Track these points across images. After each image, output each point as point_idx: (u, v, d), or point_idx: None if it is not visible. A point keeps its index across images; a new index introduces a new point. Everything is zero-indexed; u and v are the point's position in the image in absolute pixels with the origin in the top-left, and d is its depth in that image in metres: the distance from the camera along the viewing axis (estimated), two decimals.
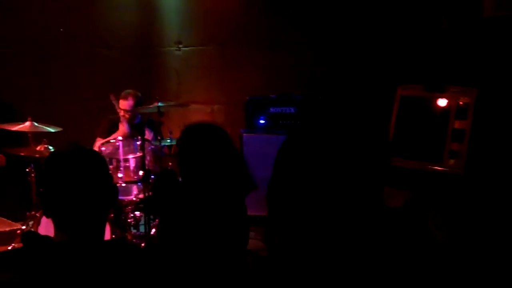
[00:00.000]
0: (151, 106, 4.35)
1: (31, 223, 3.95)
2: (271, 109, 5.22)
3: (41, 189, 1.59)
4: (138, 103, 4.60)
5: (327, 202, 1.51)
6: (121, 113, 4.62)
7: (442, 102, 4.28)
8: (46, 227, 3.70)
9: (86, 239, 1.56)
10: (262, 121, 5.23)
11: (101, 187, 1.61)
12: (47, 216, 1.60)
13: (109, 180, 1.67)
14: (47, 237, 1.55)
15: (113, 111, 4.60)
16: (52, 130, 4.12)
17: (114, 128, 4.64)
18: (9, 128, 4.05)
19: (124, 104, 4.60)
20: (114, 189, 1.69)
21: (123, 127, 4.59)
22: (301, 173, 1.51)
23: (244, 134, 5.11)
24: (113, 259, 1.54)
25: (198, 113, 5.26)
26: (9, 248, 3.73)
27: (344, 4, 5.24)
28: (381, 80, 4.91)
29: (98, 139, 4.62)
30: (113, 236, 3.74)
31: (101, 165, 1.65)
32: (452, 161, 4.14)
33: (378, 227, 1.56)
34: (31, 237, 1.55)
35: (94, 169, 1.61)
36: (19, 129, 4.04)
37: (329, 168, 1.55)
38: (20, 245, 1.54)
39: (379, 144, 1.65)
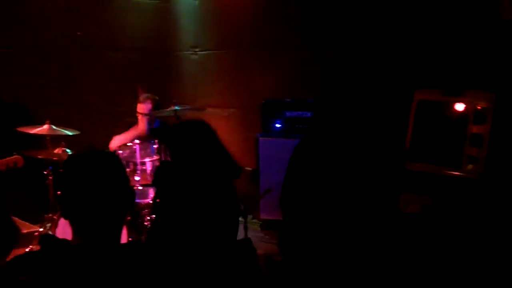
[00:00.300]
0: (168, 109, 4.39)
1: (48, 225, 3.98)
2: (287, 113, 5.21)
3: (59, 192, 1.60)
4: (156, 107, 4.63)
5: (341, 206, 1.50)
6: (139, 116, 4.65)
7: (460, 107, 4.23)
8: (63, 229, 3.72)
9: (103, 242, 1.56)
10: (278, 125, 5.22)
11: (118, 190, 1.62)
12: (66, 218, 1.61)
13: (126, 183, 1.68)
14: (64, 240, 1.56)
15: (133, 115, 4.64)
16: (70, 133, 4.14)
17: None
18: (27, 131, 4.07)
19: (143, 108, 4.64)
20: (131, 192, 1.70)
21: (142, 124, 4.62)
22: (315, 177, 1.50)
23: (261, 138, 5.11)
24: (130, 262, 1.54)
25: (214, 117, 5.26)
26: (27, 250, 3.75)
27: (359, 7, 5.21)
28: (398, 84, 4.87)
29: (114, 137, 4.65)
30: (130, 239, 3.76)
31: (119, 168, 1.66)
32: (470, 166, 4.09)
33: (392, 233, 1.54)
34: (48, 240, 1.56)
35: (111, 172, 1.62)
36: (37, 132, 4.05)
37: (343, 172, 1.54)
38: (38, 247, 1.55)
39: (395, 149, 1.64)
